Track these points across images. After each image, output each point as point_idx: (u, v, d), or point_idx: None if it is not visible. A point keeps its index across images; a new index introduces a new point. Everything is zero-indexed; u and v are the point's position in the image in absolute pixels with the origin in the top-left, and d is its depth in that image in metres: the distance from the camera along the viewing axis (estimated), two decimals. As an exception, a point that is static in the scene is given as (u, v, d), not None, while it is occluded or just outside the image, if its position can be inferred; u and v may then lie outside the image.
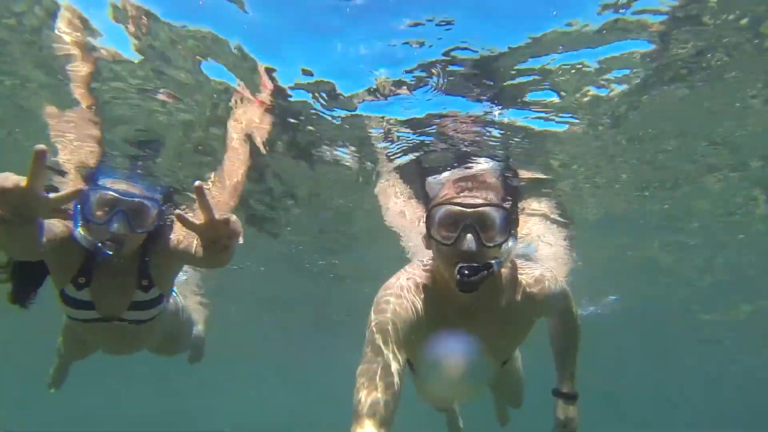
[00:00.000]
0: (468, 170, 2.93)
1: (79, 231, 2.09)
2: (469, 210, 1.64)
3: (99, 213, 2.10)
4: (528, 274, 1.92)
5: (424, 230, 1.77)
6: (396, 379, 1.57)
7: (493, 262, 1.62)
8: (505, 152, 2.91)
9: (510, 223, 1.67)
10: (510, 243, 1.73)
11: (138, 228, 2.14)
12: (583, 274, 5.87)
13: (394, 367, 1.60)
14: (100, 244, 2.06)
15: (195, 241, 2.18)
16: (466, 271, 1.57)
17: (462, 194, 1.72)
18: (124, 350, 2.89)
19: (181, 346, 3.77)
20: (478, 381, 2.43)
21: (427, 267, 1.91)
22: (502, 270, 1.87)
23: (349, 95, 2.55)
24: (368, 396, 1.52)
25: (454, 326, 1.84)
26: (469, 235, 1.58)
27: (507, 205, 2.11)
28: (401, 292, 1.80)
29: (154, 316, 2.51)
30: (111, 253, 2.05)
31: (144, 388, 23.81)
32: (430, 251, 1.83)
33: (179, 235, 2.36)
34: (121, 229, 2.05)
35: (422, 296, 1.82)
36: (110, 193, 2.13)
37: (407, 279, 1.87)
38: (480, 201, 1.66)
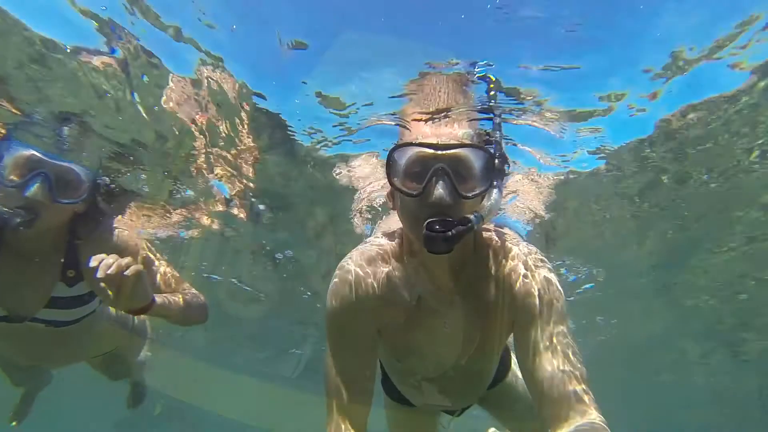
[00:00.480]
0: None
1: None
2: (440, 152, 1.30)
3: (13, 175, 1.72)
4: (522, 251, 1.51)
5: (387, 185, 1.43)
6: (364, 380, 1.47)
7: (471, 216, 1.29)
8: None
9: (493, 171, 1.35)
10: (494, 195, 1.40)
11: (61, 197, 1.75)
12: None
13: (362, 367, 1.49)
14: (7, 212, 1.66)
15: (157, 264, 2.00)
16: (437, 226, 1.24)
17: (432, 133, 1.37)
18: (51, 361, 2.44)
19: (129, 364, 3.20)
20: (457, 383, 1.88)
21: (395, 236, 1.59)
22: (488, 238, 1.52)
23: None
24: (338, 403, 1.44)
25: (428, 311, 1.52)
26: (440, 183, 1.26)
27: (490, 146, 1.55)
28: (361, 271, 1.51)
29: (80, 317, 2.03)
30: (20, 221, 1.66)
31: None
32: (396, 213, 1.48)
33: (126, 232, 2.02)
34: (38, 195, 1.67)
35: (388, 273, 1.51)
36: (32, 151, 1.76)
37: (369, 253, 1.55)
38: (455, 141, 1.34)
